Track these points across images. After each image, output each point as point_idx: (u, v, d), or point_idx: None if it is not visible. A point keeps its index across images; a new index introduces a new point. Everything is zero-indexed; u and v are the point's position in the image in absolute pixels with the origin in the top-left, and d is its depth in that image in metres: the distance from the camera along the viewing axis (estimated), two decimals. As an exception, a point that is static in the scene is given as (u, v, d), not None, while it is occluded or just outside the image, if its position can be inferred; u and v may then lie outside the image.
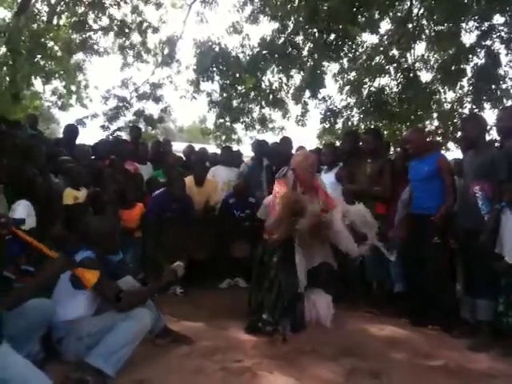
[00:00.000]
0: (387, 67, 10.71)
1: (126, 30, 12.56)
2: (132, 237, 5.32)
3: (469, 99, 10.29)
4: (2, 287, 3.10)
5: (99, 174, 5.36)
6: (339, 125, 10.82)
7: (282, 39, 10.28)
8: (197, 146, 8.03)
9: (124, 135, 10.75)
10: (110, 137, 10.31)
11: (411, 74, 10.41)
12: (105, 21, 12.49)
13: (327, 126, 10.76)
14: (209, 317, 4.39)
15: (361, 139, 5.47)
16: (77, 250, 3.27)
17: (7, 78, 12.32)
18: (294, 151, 6.08)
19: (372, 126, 10.22)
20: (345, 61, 10.65)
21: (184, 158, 7.02)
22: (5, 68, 12.21)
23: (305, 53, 10.30)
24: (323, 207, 4.12)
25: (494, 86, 9.62)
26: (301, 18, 9.80)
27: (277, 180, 4.37)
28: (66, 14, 12.83)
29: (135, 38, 13.02)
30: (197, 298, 5.01)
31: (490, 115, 10.47)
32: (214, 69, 10.27)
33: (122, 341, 2.98)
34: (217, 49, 10.28)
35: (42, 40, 11.63)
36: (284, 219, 4.00)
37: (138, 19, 12.72)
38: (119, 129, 11.24)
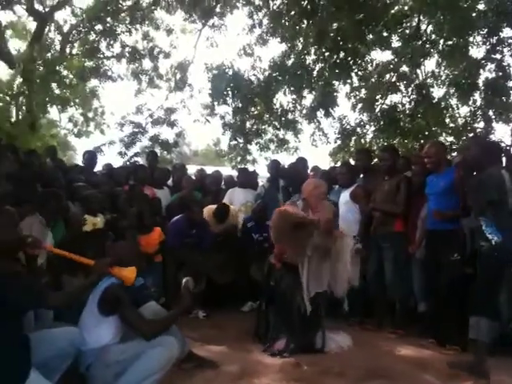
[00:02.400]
0: (398, 84, 10.74)
1: (138, 56, 12.74)
2: (152, 262, 5.30)
3: (482, 113, 10.26)
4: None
5: (116, 200, 5.40)
6: (352, 142, 10.84)
7: (292, 60, 10.40)
8: (211, 169, 8.09)
9: (140, 160, 10.88)
10: (128, 163, 10.43)
11: (423, 91, 10.41)
12: (117, 47, 12.72)
13: (340, 145, 10.78)
14: (233, 340, 4.37)
15: (377, 156, 5.46)
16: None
17: (24, 108, 12.58)
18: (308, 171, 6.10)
19: (385, 143, 10.21)
20: (356, 79, 10.71)
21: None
22: (21, 98, 12.49)
23: (315, 73, 10.36)
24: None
25: (504, 99, 9.57)
26: (310, 39, 9.92)
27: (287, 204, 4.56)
28: (79, 42, 13.11)
29: (147, 63, 13.24)
30: (219, 322, 4.98)
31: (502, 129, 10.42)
32: (229, 92, 10.36)
33: (150, 369, 2.96)
34: (230, 72, 10.38)
35: (56, 68, 11.87)
36: (284, 232, 4.11)
37: (150, 45, 12.92)
38: (136, 154, 11.36)
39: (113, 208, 5.31)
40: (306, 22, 9.74)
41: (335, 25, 9.20)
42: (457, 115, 10.74)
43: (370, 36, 9.68)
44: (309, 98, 10.89)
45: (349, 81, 10.47)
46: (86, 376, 3.13)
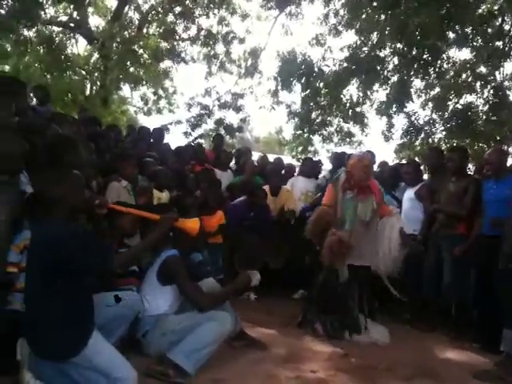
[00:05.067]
0: (474, 84, 10.34)
1: (212, 41, 12.92)
2: (209, 242, 5.35)
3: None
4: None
5: (184, 179, 5.53)
6: (419, 141, 10.57)
7: (365, 53, 10.23)
8: (272, 157, 8.12)
9: (204, 142, 11.09)
10: (192, 143, 10.65)
11: (500, 93, 9.98)
12: (193, 30, 12.95)
13: (408, 142, 10.52)
14: (282, 325, 4.41)
15: (445, 157, 5.32)
16: (162, 249, 3.43)
17: (98, 83, 13.06)
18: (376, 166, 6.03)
19: (454, 144, 9.88)
20: (429, 78, 10.39)
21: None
22: (96, 73, 12.97)
23: (389, 67, 10.16)
24: (375, 208, 4.32)
25: None
26: (386, 32, 9.70)
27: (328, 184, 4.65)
28: (156, 22, 13.43)
29: (220, 48, 13.40)
30: (270, 306, 5.05)
31: None
32: (296, 80, 10.34)
33: (204, 341, 3.08)
34: (301, 59, 10.35)
35: (133, 47, 12.23)
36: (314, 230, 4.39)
37: (225, 30, 13.07)
38: (200, 136, 11.57)
39: (179, 185, 5.44)
40: (384, 14, 9.50)
41: (417, 20, 8.89)
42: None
43: (451, 33, 9.37)
44: (380, 92, 10.75)
45: (426, 77, 10.17)
46: (142, 342, 3.29)
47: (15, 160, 2.93)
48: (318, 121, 11.15)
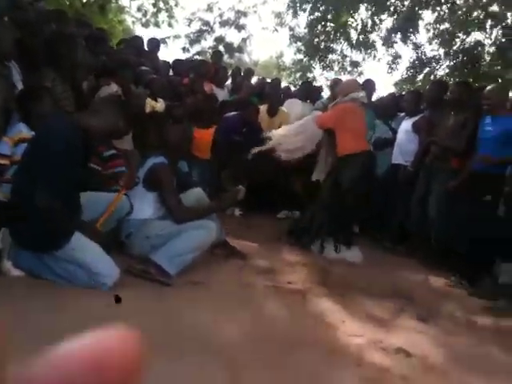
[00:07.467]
0: (485, 23, 10.01)
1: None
2: (199, 158, 5.37)
3: None
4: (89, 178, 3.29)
5: (178, 90, 5.42)
6: (422, 76, 10.37)
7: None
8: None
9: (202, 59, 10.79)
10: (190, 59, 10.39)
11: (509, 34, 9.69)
12: None
13: (411, 76, 10.32)
14: (264, 240, 4.48)
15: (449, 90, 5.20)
16: (150, 155, 3.41)
17: (96, -11, 12.47)
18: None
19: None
20: (441, 10, 10.04)
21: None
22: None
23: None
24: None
25: None
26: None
27: None
28: None
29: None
30: (254, 222, 5.10)
31: None
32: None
33: (188, 246, 3.12)
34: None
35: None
36: None
37: None
38: (198, 53, 11.29)
39: (174, 96, 5.33)
40: None
41: None
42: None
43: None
44: (388, 21, 10.40)
45: (436, 9, 9.82)
46: (125, 244, 3.34)
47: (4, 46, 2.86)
48: (321, 47, 10.84)
